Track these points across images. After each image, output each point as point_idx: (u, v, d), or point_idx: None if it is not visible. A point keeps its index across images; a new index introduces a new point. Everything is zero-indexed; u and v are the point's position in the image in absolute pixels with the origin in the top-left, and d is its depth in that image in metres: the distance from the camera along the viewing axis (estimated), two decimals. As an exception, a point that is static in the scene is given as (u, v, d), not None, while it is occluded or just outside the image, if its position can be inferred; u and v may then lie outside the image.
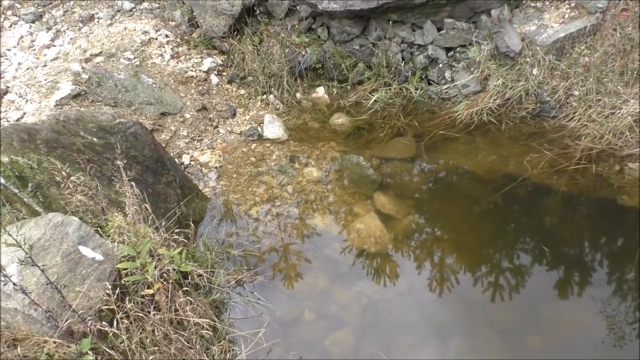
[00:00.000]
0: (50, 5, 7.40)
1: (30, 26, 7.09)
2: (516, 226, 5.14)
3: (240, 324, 4.21)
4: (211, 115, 6.62)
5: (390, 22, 6.54)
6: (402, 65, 6.71)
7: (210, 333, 3.79)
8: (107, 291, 3.31)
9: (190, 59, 7.04)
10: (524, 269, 4.58)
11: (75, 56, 6.52)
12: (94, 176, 3.98)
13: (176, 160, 5.78)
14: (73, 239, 3.45)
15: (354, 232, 5.09)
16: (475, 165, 5.69)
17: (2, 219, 3.57)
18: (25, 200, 3.82)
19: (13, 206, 3.72)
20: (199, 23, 7.13)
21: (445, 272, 4.68)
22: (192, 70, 6.88)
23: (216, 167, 6.01)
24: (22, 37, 6.95)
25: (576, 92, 5.68)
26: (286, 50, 6.93)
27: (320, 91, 7.07)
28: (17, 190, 3.80)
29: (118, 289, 3.42)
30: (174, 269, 3.79)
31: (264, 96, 6.98)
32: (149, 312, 3.51)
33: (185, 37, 7.24)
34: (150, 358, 3.36)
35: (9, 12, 7.25)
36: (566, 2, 6.10)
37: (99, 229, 3.85)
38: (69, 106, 5.75)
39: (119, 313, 3.35)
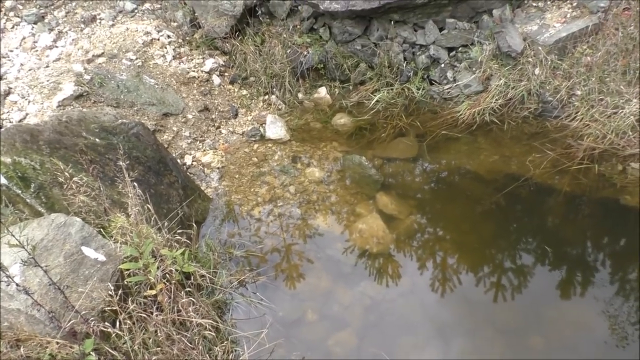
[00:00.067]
0: (53, 7, 7.41)
1: (33, 27, 7.10)
2: (518, 226, 5.13)
3: (243, 325, 4.21)
4: (213, 116, 6.63)
5: (392, 22, 6.54)
6: (404, 65, 6.71)
7: (213, 334, 3.79)
8: (110, 292, 3.31)
9: (192, 59, 7.04)
10: (526, 269, 4.58)
11: (77, 57, 6.53)
12: (97, 177, 3.99)
13: (178, 160, 5.79)
14: (76, 240, 3.46)
15: (357, 233, 5.09)
16: (477, 165, 5.68)
17: (5, 219, 3.58)
18: (28, 201, 3.82)
19: (16, 207, 3.72)
20: (200, 24, 7.13)
21: (448, 272, 4.67)
22: (194, 71, 6.88)
23: (218, 168, 6.02)
24: (24, 38, 6.96)
25: (578, 92, 5.67)
26: (288, 51, 6.94)
27: (322, 91, 7.07)
28: (19, 191, 3.81)
29: (121, 289, 3.42)
30: (176, 270, 3.79)
31: (266, 96, 6.99)
32: (152, 313, 3.50)
33: (187, 38, 7.24)
34: (153, 359, 3.36)
35: (12, 13, 7.26)
36: (568, 1, 6.09)
37: (101, 229, 3.85)
38: (72, 107, 5.75)
39: (121, 314, 3.36)
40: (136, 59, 6.61)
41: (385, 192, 5.46)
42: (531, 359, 3.98)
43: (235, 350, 3.95)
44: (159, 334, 3.46)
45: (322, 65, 7.02)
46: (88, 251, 3.46)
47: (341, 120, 6.63)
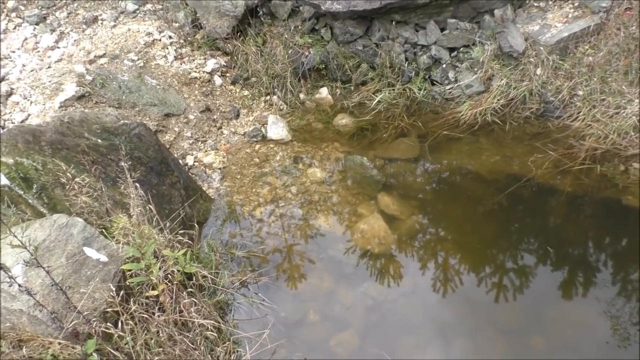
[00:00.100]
0: (54, 7, 7.42)
1: (35, 28, 7.11)
2: (520, 226, 5.13)
3: (245, 325, 4.22)
4: (215, 116, 6.63)
5: (394, 23, 6.54)
6: (406, 65, 6.71)
7: (215, 334, 3.79)
8: (112, 292, 3.32)
9: (193, 60, 7.05)
10: (528, 270, 4.57)
11: (79, 58, 6.54)
12: (99, 177, 3.99)
13: (180, 161, 5.79)
14: (78, 240, 3.46)
15: (358, 233, 5.09)
16: (479, 165, 5.68)
17: (7, 220, 3.58)
18: (30, 201, 3.83)
19: (18, 207, 3.73)
20: (202, 24, 7.14)
21: (449, 272, 4.67)
22: (195, 72, 6.89)
23: (220, 168, 6.02)
24: (26, 39, 6.97)
25: (580, 92, 5.66)
26: (289, 51, 6.94)
27: (324, 92, 7.07)
28: (22, 192, 3.82)
29: (123, 290, 3.43)
30: (178, 270, 3.80)
31: (268, 97, 6.99)
32: (154, 314, 3.51)
33: (189, 39, 7.25)
34: (155, 359, 3.36)
35: (13, 14, 7.27)
36: (569, 1, 6.09)
37: (103, 230, 3.86)
38: (73, 107, 5.76)
39: (123, 314, 3.36)
40: (138, 59, 6.62)
41: (386, 193, 5.46)
42: (532, 359, 3.98)
43: (237, 351, 3.95)
44: (160, 335, 3.47)
45: (323, 66, 7.02)
46: (90, 252, 3.46)
47: (343, 120, 6.64)
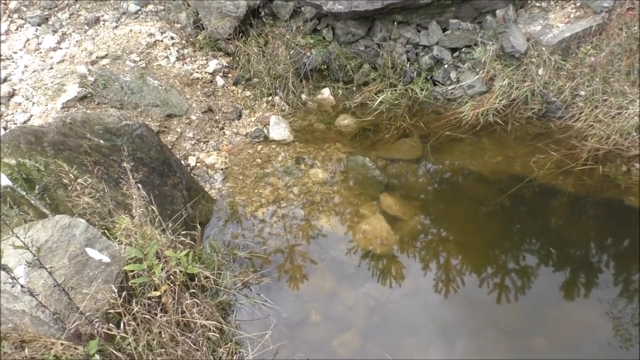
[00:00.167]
0: (56, 8, 7.43)
1: (37, 29, 7.12)
2: (522, 227, 5.13)
3: (247, 326, 4.22)
4: (217, 117, 6.64)
5: (395, 23, 6.54)
6: (408, 66, 6.70)
7: (217, 335, 3.79)
8: (114, 293, 3.32)
9: (195, 60, 7.06)
10: (530, 270, 4.57)
11: (81, 59, 6.55)
12: (101, 178, 4.00)
13: (182, 162, 5.80)
14: (80, 241, 3.47)
15: (360, 234, 5.09)
16: (481, 166, 5.68)
17: (9, 221, 3.59)
18: (33, 202, 3.83)
19: (20, 208, 3.74)
20: (204, 25, 7.14)
21: (451, 273, 4.67)
22: (197, 72, 6.90)
23: (222, 169, 6.03)
24: (28, 40, 6.98)
25: (582, 92, 5.66)
26: (291, 52, 6.94)
27: (326, 92, 7.07)
28: (24, 193, 3.82)
29: (125, 291, 3.43)
30: (180, 271, 3.80)
31: (270, 98, 6.99)
32: (156, 314, 3.51)
33: (191, 39, 7.25)
34: (157, 360, 3.37)
35: (16, 15, 7.29)
36: (571, 1, 6.08)
37: (106, 231, 3.86)
38: (76, 108, 5.77)
39: (125, 315, 3.37)
40: (140, 60, 6.63)
41: (389, 193, 5.45)
42: (535, 360, 3.98)
43: (240, 352, 3.95)
44: (163, 336, 3.47)
45: (325, 66, 7.02)
46: (92, 252, 3.47)
47: (345, 121, 6.64)
